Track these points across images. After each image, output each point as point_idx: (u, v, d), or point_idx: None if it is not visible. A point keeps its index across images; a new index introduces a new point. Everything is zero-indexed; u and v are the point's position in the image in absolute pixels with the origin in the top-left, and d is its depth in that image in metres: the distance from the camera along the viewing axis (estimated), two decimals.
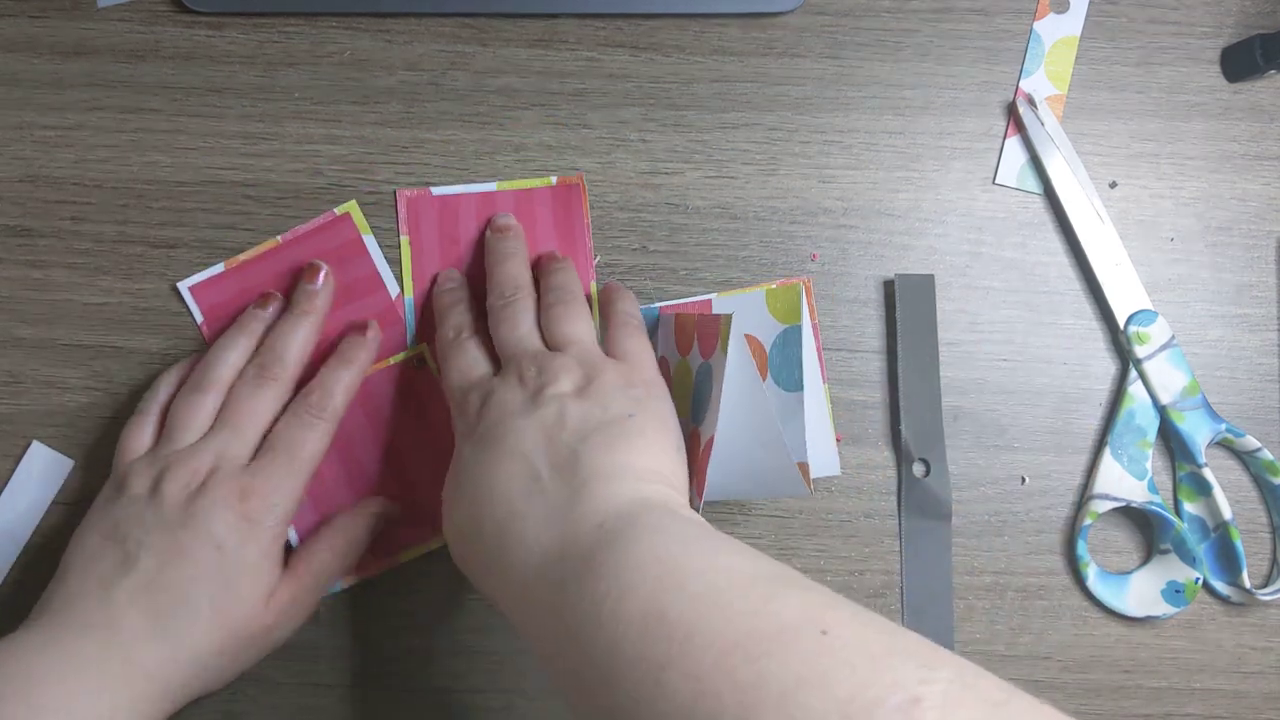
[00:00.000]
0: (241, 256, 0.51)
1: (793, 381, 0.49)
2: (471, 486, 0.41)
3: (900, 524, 0.51)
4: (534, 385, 0.42)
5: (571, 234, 0.52)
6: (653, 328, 0.52)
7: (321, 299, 0.49)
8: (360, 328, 0.49)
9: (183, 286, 0.51)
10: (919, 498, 0.51)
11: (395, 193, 0.52)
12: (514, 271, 0.49)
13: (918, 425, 0.51)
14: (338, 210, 0.51)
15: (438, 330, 0.49)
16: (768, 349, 0.50)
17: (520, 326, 0.46)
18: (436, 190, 0.52)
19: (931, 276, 0.52)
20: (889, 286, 0.52)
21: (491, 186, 0.52)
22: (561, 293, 0.47)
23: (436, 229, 0.51)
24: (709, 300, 0.52)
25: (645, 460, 0.40)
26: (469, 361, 0.46)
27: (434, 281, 0.51)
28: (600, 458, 0.39)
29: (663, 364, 0.51)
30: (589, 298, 0.52)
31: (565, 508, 0.37)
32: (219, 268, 0.51)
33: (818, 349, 0.52)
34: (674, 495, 0.39)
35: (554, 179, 0.52)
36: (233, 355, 0.48)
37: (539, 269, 0.50)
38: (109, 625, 0.41)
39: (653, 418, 0.42)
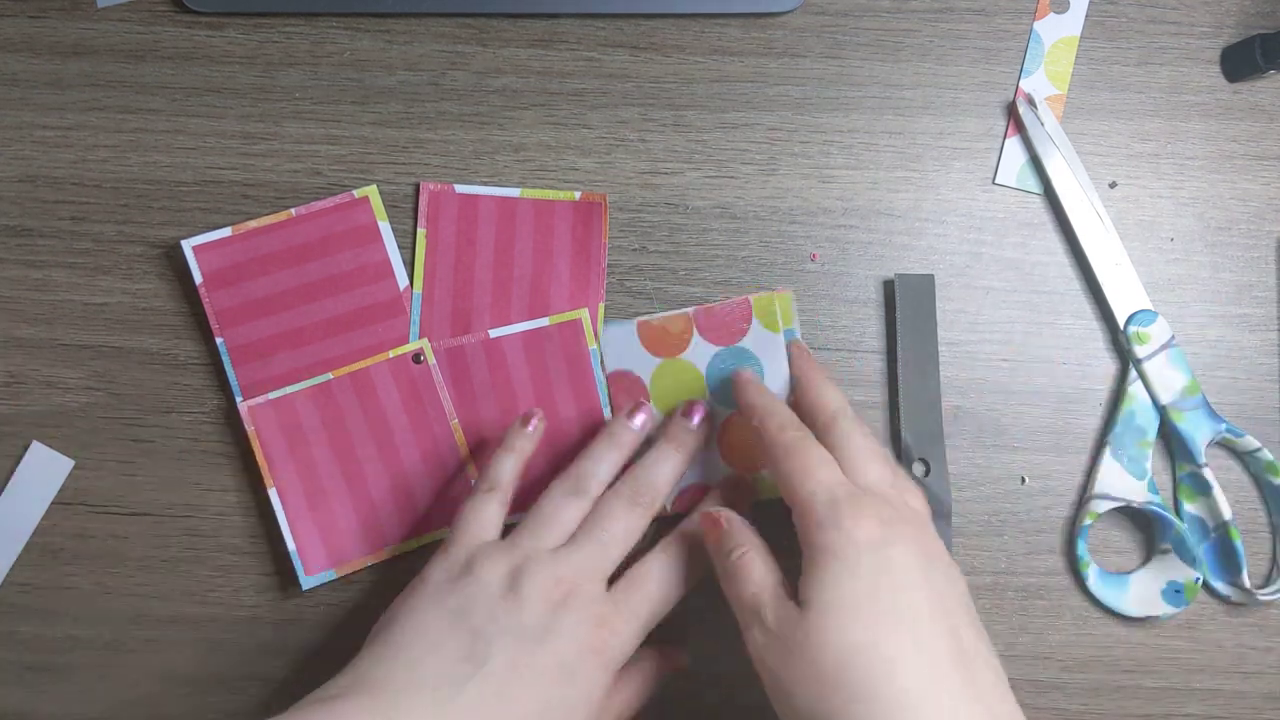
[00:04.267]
0: (251, 223, 0.51)
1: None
2: (842, 668, 0.37)
3: None
4: (891, 539, 0.40)
5: (587, 251, 0.52)
6: (622, 337, 0.52)
7: (696, 439, 0.49)
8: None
9: (186, 245, 0.50)
10: None
11: (419, 184, 0.52)
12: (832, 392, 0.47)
13: (918, 425, 0.51)
14: (356, 193, 0.51)
15: (774, 443, 0.44)
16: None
17: (832, 463, 0.43)
18: (460, 188, 0.52)
19: (931, 276, 0.52)
20: (889, 286, 0.52)
21: (515, 192, 0.52)
22: (855, 421, 0.45)
23: (455, 226, 0.51)
24: (686, 315, 0.52)
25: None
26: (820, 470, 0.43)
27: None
28: (983, 646, 0.40)
29: (623, 377, 0.51)
30: (594, 315, 0.52)
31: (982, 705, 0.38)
32: (225, 231, 0.51)
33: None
34: None
35: (577, 194, 0.52)
36: (605, 469, 0.47)
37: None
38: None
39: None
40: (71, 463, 0.51)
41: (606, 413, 0.51)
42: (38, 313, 0.51)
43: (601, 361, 0.51)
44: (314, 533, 0.50)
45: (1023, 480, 0.52)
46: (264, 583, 0.51)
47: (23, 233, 0.52)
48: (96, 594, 0.51)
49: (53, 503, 0.51)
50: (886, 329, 0.52)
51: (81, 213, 0.52)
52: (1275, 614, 0.52)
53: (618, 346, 0.51)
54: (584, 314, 0.51)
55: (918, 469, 0.51)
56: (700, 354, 0.50)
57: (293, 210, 0.51)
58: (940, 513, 0.51)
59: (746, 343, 0.50)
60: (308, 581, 0.50)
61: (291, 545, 0.50)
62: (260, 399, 0.50)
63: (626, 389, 0.51)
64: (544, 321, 0.51)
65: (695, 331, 0.50)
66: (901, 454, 0.52)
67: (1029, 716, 0.51)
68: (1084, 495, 0.52)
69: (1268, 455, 0.51)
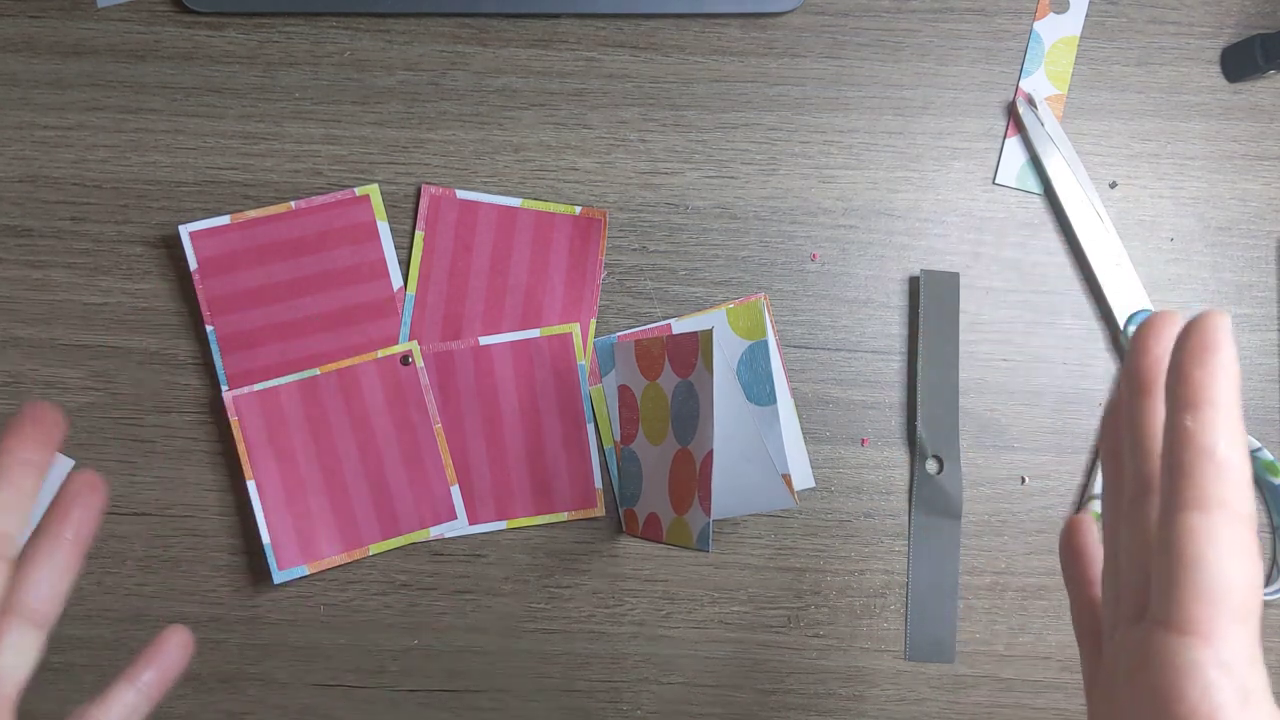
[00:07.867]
0: (250, 213, 0.51)
1: (765, 395, 0.50)
2: None
3: (910, 520, 0.51)
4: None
5: (584, 266, 0.52)
6: (607, 357, 0.52)
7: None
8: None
9: (183, 230, 0.50)
10: (930, 494, 0.51)
11: (420, 186, 0.52)
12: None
13: (934, 422, 0.51)
14: (358, 191, 0.51)
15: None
16: (735, 366, 0.51)
17: None
18: (461, 193, 0.52)
19: (956, 275, 0.52)
20: (913, 283, 0.52)
21: (516, 202, 0.52)
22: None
23: (453, 231, 0.51)
24: (668, 325, 0.52)
25: None
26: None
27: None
28: None
29: (625, 392, 0.51)
30: (585, 330, 0.51)
31: None
32: (224, 219, 0.51)
33: (781, 363, 0.52)
34: None
35: (578, 209, 0.52)
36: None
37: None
38: None
39: None
40: (71, 463, 0.51)
41: (590, 427, 0.51)
42: (37, 312, 0.51)
43: (589, 376, 0.51)
44: (290, 527, 0.50)
45: (1023, 480, 0.52)
46: (264, 582, 0.51)
47: (23, 233, 0.52)
48: (96, 594, 0.51)
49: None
50: (909, 325, 0.52)
51: (81, 213, 0.52)
52: (1275, 614, 0.52)
53: (621, 362, 0.51)
54: (575, 329, 0.51)
55: (931, 465, 0.51)
56: (668, 382, 0.48)
57: (292, 203, 0.51)
58: (951, 512, 0.51)
59: (693, 378, 0.46)
60: (280, 576, 0.50)
61: (267, 539, 0.50)
62: (245, 389, 0.50)
63: (626, 404, 0.51)
64: (535, 333, 0.51)
65: (666, 358, 0.48)
66: (916, 450, 0.52)
67: (1029, 717, 0.51)
68: (1084, 495, 0.52)
69: (1268, 455, 0.51)
